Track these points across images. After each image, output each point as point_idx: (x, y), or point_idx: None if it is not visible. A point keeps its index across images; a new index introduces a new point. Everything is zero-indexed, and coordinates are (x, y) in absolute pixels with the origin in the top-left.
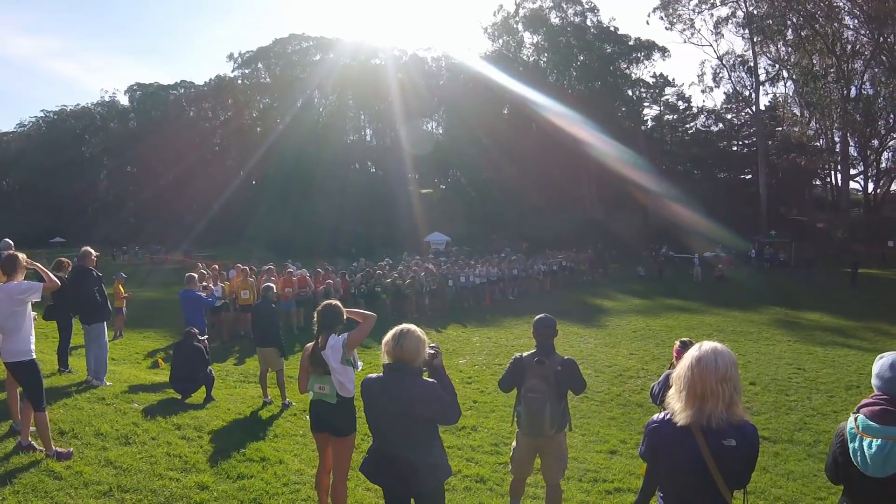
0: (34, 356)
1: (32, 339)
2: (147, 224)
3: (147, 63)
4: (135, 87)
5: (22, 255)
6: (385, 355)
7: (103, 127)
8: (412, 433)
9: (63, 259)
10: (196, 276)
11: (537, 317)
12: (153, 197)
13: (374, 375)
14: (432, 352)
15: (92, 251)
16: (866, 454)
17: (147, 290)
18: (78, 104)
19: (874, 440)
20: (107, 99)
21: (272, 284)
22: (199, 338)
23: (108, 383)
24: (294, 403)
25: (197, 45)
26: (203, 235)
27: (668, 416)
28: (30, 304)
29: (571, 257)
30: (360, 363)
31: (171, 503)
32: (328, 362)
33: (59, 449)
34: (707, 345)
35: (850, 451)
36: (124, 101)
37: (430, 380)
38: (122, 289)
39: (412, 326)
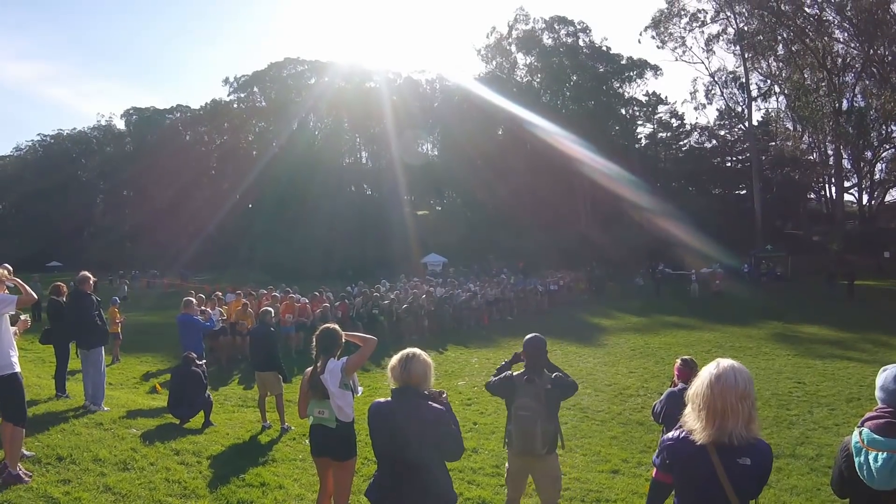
0: (16, 370)
1: (13, 353)
2: (142, 247)
3: (142, 88)
4: (131, 112)
5: (1, 270)
6: (392, 380)
7: (99, 151)
8: (421, 458)
9: (60, 284)
10: (194, 300)
11: (528, 336)
12: (149, 220)
13: (382, 400)
14: (439, 390)
15: (90, 275)
16: (872, 467)
17: (144, 314)
18: (74, 128)
19: (880, 453)
20: (103, 123)
21: (271, 309)
22: (198, 362)
23: (105, 408)
24: (293, 428)
25: (192, 69)
26: (198, 258)
27: (684, 434)
28: (7, 318)
29: (570, 276)
30: (360, 388)
31: None
32: (327, 386)
33: (21, 472)
34: (725, 362)
35: (856, 464)
36: (120, 125)
37: (441, 406)
38: (117, 313)
39: (418, 350)
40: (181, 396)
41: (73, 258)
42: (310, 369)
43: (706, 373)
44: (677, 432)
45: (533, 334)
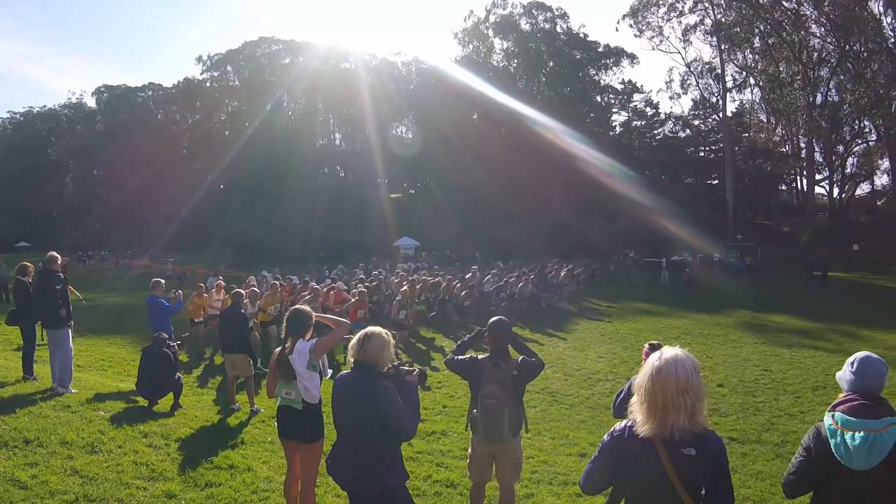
0: None
1: None
2: (114, 229)
3: (115, 65)
4: (102, 89)
5: None
6: (350, 357)
7: (70, 129)
8: (369, 432)
9: (26, 263)
10: (163, 281)
11: (492, 319)
12: (120, 201)
13: (345, 373)
14: (409, 369)
15: (58, 255)
16: (850, 447)
17: (114, 295)
18: (45, 106)
19: (857, 433)
20: (74, 101)
21: (242, 291)
22: (169, 343)
23: (73, 390)
24: (262, 410)
25: (165, 47)
26: (171, 240)
27: (631, 425)
28: None
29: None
30: (329, 370)
31: None
32: (294, 367)
33: None
34: (668, 353)
35: (833, 446)
36: (91, 103)
37: (390, 384)
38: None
39: (377, 329)
40: (150, 377)
41: (44, 239)
42: (278, 349)
43: (649, 364)
44: (625, 423)
45: (497, 317)
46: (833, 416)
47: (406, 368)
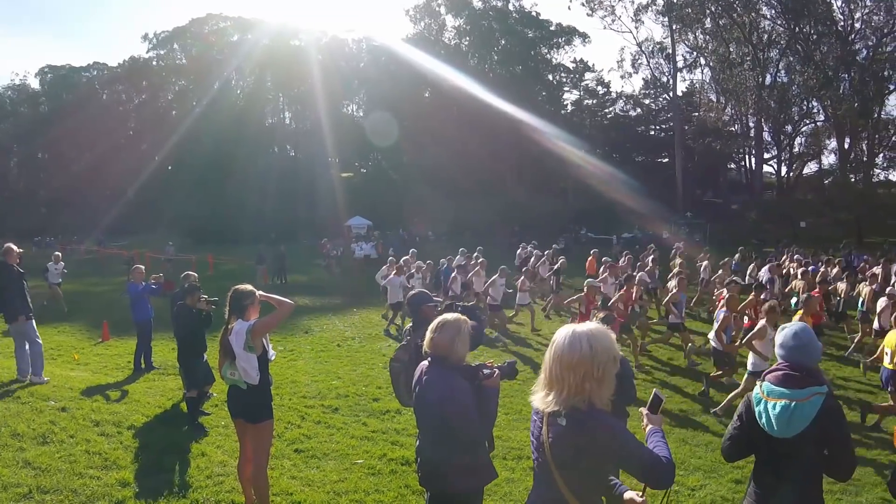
0: None
1: None
2: (60, 213)
3: (59, 44)
4: (46, 70)
5: None
6: (424, 347)
7: (13, 112)
8: (432, 429)
9: None
10: (142, 267)
11: (411, 293)
12: (65, 185)
13: (424, 362)
14: (488, 371)
15: (14, 247)
16: (771, 415)
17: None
18: None
19: (778, 402)
20: (17, 82)
21: (193, 273)
22: (205, 299)
23: (45, 378)
24: (215, 394)
25: (110, 24)
26: (118, 223)
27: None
28: None
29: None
30: (272, 352)
31: (92, 502)
32: (233, 347)
33: None
34: (574, 327)
35: (756, 414)
36: (35, 84)
37: (463, 383)
38: None
39: (451, 318)
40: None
41: None
42: (224, 329)
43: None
44: None
45: (415, 290)
46: (762, 384)
47: (485, 371)
